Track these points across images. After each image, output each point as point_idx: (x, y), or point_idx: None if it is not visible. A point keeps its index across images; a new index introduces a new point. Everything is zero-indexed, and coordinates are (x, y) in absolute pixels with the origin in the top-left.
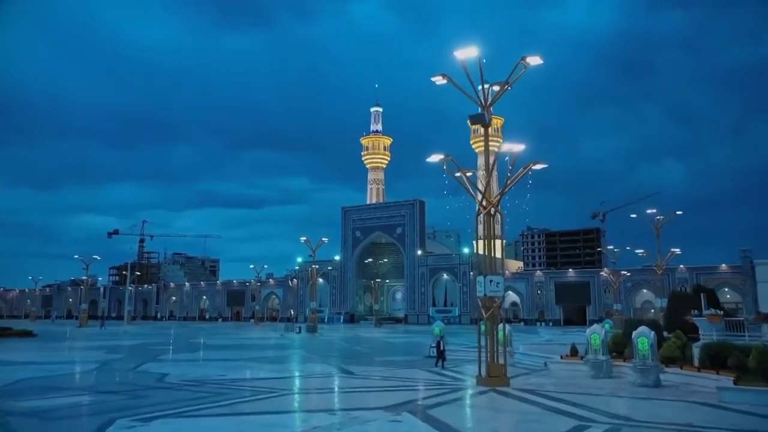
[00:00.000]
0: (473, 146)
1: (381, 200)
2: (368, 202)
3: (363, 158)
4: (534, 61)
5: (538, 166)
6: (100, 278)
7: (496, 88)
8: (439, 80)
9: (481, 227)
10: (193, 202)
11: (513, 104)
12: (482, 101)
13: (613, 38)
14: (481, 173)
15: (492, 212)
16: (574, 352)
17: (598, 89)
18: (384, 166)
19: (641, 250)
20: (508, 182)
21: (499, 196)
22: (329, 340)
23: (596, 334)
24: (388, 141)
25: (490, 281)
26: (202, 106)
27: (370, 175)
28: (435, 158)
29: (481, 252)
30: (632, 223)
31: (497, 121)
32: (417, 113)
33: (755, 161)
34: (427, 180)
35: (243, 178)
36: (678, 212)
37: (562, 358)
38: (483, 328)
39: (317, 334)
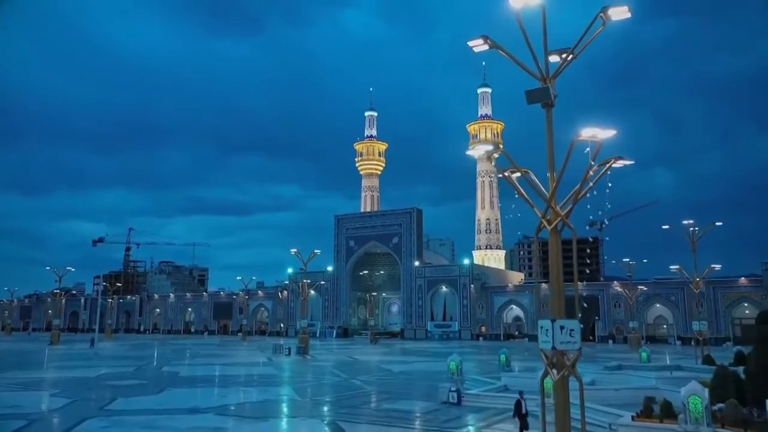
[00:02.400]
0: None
1: (376, 208)
2: (362, 210)
3: (357, 164)
4: (619, 14)
5: (621, 163)
6: (74, 290)
7: (554, 59)
8: (478, 45)
9: (552, 249)
10: (183, 209)
11: (508, 110)
12: (543, 72)
13: (603, 47)
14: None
15: (559, 227)
16: (648, 410)
17: (587, 97)
18: (379, 172)
19: (675, 266)
20: (588, 180)
21: (572, 205)
22: (322, 366)
23: (696, 396)
24: (383, 146)
25: (562, 328)
26: (193, 111)
27: (365, 182)
28: (479, 150)
29: (545, 287)
30: (629, 232)
31: (497, 126)
32: (410, 120)
33: (745, 168)
34: (421, 186)
35: (233, 184)
36: (718, 222)
37: (634, 418)
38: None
39: (308, 356)
